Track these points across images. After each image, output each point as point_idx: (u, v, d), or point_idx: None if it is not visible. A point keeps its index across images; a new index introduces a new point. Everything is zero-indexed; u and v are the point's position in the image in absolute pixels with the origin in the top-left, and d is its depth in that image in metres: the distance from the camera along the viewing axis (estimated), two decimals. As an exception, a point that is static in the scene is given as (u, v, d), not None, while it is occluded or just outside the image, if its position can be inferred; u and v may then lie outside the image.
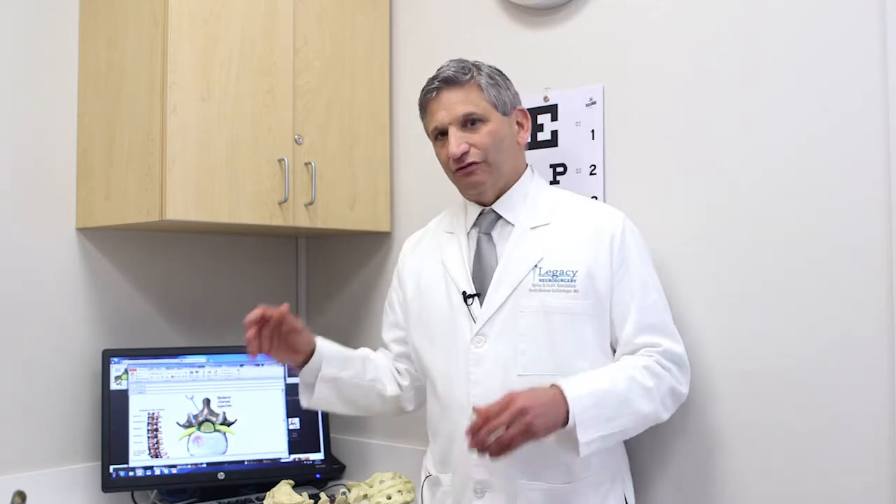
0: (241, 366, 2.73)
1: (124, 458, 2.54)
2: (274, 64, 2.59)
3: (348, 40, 2.80)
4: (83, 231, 2.63)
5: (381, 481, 2.25)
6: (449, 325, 2.12)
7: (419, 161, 2.84)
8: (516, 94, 2.18)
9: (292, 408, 2.74)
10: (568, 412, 1.87)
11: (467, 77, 2.09)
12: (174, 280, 2.86)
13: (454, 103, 2.09)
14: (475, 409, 1.83)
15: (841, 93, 2.04)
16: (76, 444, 2.60)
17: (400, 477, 2.27)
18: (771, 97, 2.13)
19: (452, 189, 2.75)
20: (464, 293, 2.10)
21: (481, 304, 2.08)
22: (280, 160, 2.58)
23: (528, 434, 1.81)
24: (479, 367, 2.04)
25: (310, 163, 2.65)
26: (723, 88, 2.21)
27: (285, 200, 2.58)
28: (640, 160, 2.33)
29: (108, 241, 2.69)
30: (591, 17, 2.46)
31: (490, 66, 2.16)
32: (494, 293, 2.07)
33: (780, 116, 2.12)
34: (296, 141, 2.63)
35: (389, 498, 2.21)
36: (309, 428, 2.75)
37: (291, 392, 2.75)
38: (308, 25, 2.69)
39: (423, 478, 2.22)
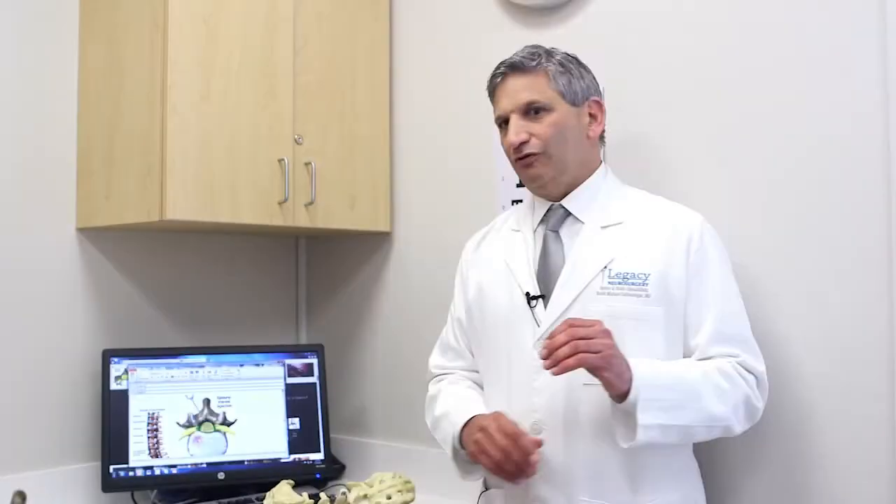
0: (241, 366, 2.72)
1: (124, 458, 2.53)
2: (274, 64, 2.59)
3: (348, 40, 2.79)
4: (83, 231, 2.63)
5: (382, 481, 2.25)
6: (510, 329, 1.98)
7: (419, 161, 2.84)
8: (593, 84, 2.03)
9: (292, 408, 2.74)
10: (630, 388, 1.74)
11: (534, 63, 1.96)
12: (174, 280, 2.85)
13: (517, 90, 1.96)
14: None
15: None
16: (76, 444, 2.60)
17: (400, 477, 2.27)
18: (773, 98, 2.12)
19: (453, 189, 2.75)
20: (527, 294, 1.95)
21: (545, 307, 1.93)
22: (280, 160, 2.58)
23: (598, 357, 1.71)
24: (543, 375, 1.82)
25: (310, 163, 2.65)
26: (730, 90, 2.20)
27: (285, 200, 2.58)
28: (639, 163, 2.32)
29: (109, 241, 2.69)
30: (592, 18, 2.45)
31: (565, 54, 2.01)
32: (560, 295, 1.92)
33: (783, 118, 2.09)
34: (296, 141, 2.63)
35: (389, 498, 2.21)
36: (309, 428, 2.75)
37: (291, 392, 2.75)
38: (308, 26, 2.69)
39: (479, 492, 2.10)
